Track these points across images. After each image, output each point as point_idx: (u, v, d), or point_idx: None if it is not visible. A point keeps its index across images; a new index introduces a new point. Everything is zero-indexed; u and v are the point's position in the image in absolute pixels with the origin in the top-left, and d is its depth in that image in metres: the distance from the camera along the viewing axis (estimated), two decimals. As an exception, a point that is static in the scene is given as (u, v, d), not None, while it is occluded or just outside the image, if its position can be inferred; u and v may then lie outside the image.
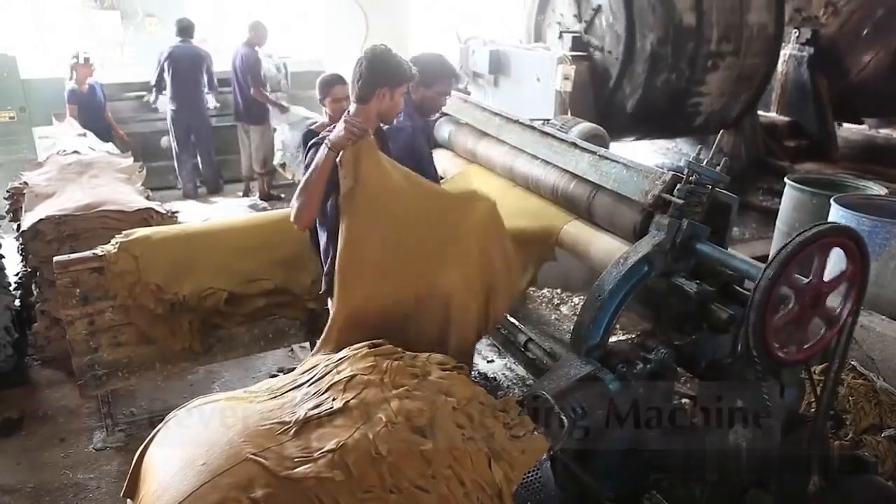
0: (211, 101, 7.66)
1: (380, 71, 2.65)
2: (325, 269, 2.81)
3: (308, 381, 2.19)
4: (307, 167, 2.65)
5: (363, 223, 2.52)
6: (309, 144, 2.77)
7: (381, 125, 2.84)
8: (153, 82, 7.55)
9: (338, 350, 2.37)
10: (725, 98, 6.68)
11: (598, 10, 6.10)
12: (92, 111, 6.98)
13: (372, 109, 2.71)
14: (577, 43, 6.16)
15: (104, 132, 6.80)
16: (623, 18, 5.87)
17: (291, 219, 2.64)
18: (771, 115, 7.94)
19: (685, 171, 2.39)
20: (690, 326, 2.42)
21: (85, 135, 6.15)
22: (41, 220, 4.03)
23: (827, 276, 2.15)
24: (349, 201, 2.49)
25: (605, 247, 2.82)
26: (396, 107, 2.75)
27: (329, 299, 3.12)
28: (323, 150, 2.53)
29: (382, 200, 2.55)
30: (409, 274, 2.62)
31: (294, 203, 2.61)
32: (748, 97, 6.86)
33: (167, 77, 7.32)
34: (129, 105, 7.80)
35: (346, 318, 2.56)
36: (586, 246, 2.98)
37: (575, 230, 3.05)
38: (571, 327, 2.70)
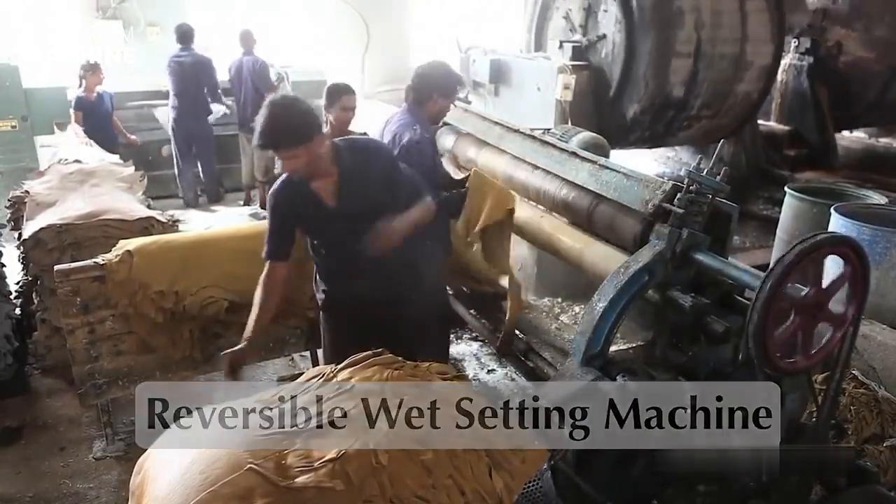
0: (220, 109, 7.68)
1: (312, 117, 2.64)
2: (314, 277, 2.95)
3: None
4: (268, 221, 2.85)
5: None
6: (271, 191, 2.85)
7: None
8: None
9: None
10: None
11: (602, 37, 6.12)
12: (98, 119, 6.98)
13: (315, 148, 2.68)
14: (578, 52, 6.17)
15: (110, 141, 6.83)
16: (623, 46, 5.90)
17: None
18: (771, 124, 7.95)
19: (685, 181, 2.39)
20: (688, 339, 2.42)
21: (91, 144, 6.17)
22: (42, 228, 4.03)
23: (827, 285, 2.15)
24: None
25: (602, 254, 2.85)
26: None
27: (322, 313, 3.14)
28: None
29: None
30: None
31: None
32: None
33: (169, 86, 7.36)
34: (130, 114, 7.83)
35: None
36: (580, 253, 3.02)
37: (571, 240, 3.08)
38: (572, 336, 2.70)
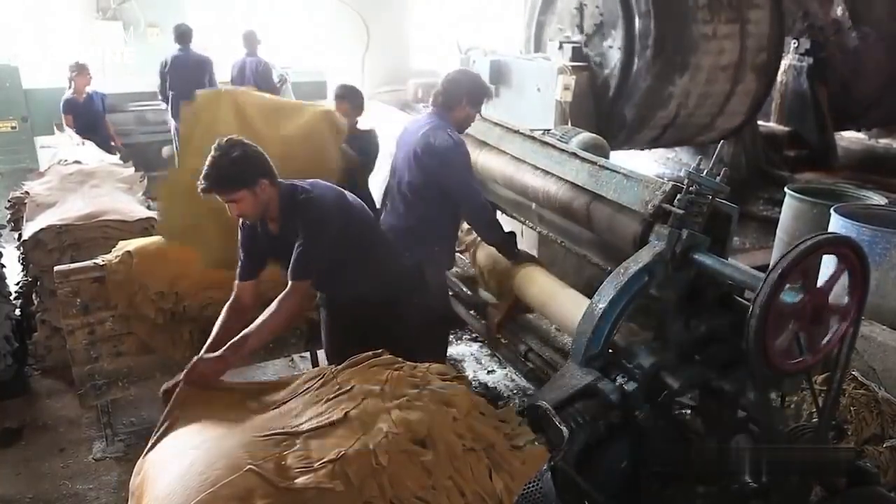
0: None
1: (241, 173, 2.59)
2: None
3: (309, 391, 2.19)
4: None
5: None
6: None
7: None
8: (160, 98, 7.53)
9: None
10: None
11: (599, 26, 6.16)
12: (89, 120, 6.88)
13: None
14: (577, 53, 6.18)
15: (105, 142, 6.81)
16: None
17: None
18: (771, 124, 7.96)
19: (685, 182, 2.39)
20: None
21: (83, 144, 6.16)
22: (42, 229, 4.04)
23: (826, 286, 2.15)
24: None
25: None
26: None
27: (322, 309, 3.15)
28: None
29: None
30: None
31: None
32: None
33: (167, 86, 7.34)
34: (130, 115, 7.83)
35: None
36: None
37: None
38: (572, 337, 2.70)
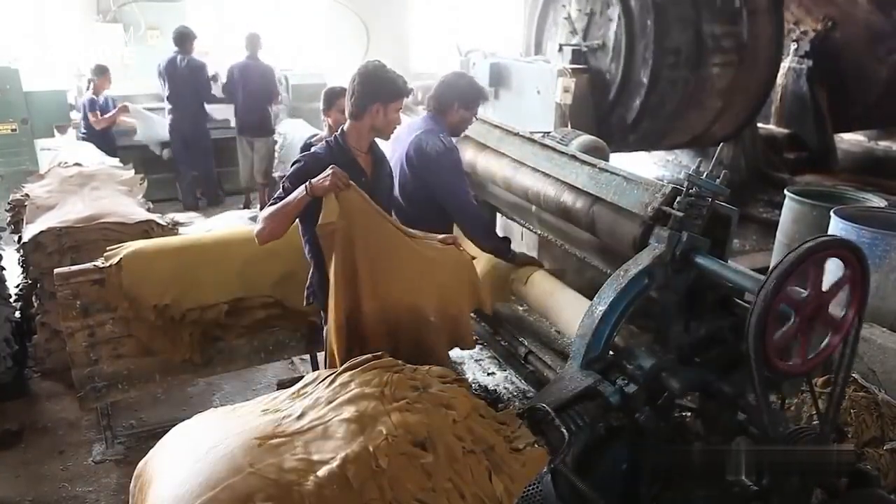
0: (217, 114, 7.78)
1: (372, 87, 2.69)
2: (308, 282, 2.96)
3: (309, 393, 2.19)
4: (286, 186, 2.71)
5: (350, 254, 2.63)
6: (297, 158, 2.85)
7: (376, 141, 2.91)
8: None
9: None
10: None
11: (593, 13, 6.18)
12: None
13: (365, 126, 2.77)
14: (577, 56, 6.19)
15: (110, 144, 6.90)
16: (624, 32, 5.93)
17: (255, 234, 2.70)
18: (770, 127, 7.96)
19: (685, 184, 2.39)
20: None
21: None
22: (42, 231, 4.04)
23: (827, 288, 2.15)
24: (338, 236, 2.60)
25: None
26: (391, 123, 2.79)
27: (322, 313, 3.15)
28: (301, 191, 2.57)
29: (367, 236, 2.66)
30: (391, 294, 2.74)
31: (261, 223, 2.67)
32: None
33: (164, 89, 7.36)
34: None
35: (338, 330, 2.67)
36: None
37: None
38: (572, 340, 2.69)
